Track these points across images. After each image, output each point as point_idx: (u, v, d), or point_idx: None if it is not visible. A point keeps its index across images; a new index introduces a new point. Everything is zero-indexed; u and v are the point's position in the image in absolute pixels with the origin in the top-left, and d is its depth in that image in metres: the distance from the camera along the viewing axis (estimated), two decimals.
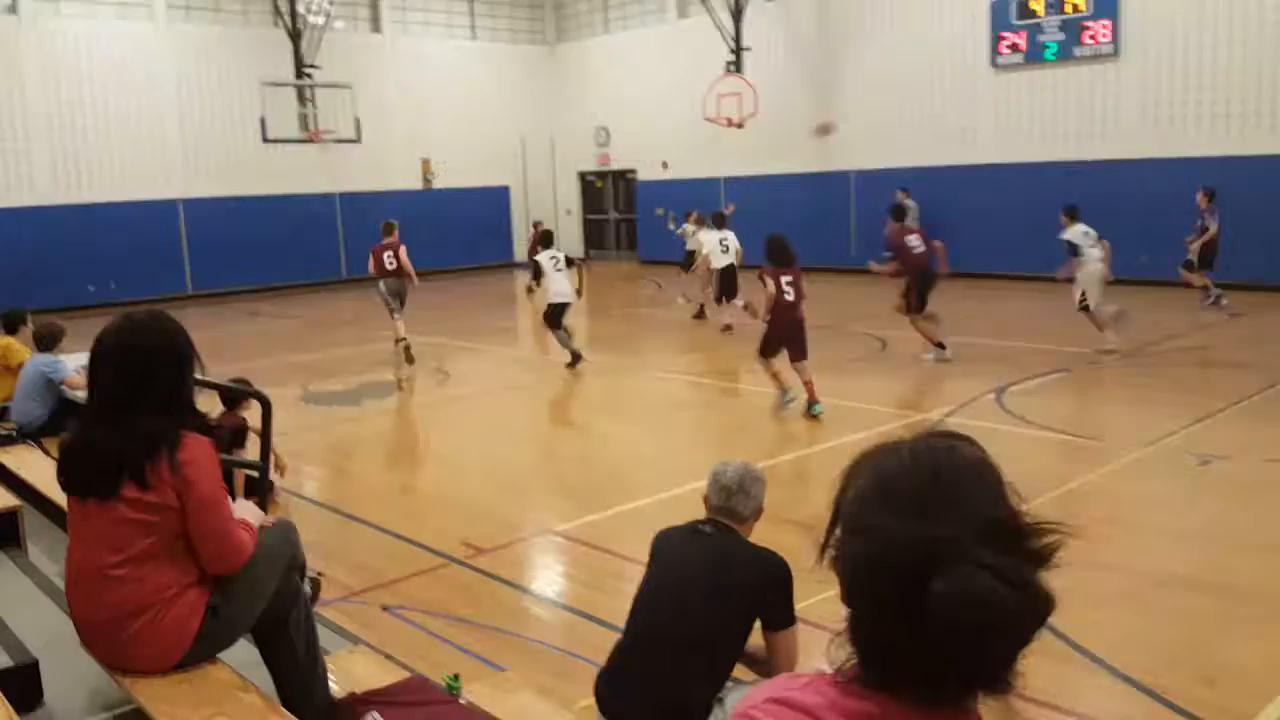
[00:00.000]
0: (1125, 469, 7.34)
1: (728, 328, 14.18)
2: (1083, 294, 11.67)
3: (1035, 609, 1.04)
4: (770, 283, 9.24)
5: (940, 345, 11.44)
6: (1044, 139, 18.04)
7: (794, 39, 21.50)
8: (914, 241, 11.59)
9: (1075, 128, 17.68)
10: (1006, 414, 8.96)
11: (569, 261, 12.41)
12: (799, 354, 9.33)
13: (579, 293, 12.35)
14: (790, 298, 9.29)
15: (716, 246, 14.37)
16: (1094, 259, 11.78)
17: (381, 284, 12.87)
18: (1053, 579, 1.07)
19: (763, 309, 9.56)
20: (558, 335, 12.25)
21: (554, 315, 12.18)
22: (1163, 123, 16.76)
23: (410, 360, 12.63)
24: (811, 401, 9.20)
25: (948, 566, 1.03)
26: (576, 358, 12.08)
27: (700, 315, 15.60)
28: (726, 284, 14.26)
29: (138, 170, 20.21)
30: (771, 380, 9.55)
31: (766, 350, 9.49)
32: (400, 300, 12.93)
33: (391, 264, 12.77)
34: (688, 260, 16.81)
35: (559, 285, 12.08)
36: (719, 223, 15.16)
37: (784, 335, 9.37)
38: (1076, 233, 11.99)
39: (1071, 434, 8.26)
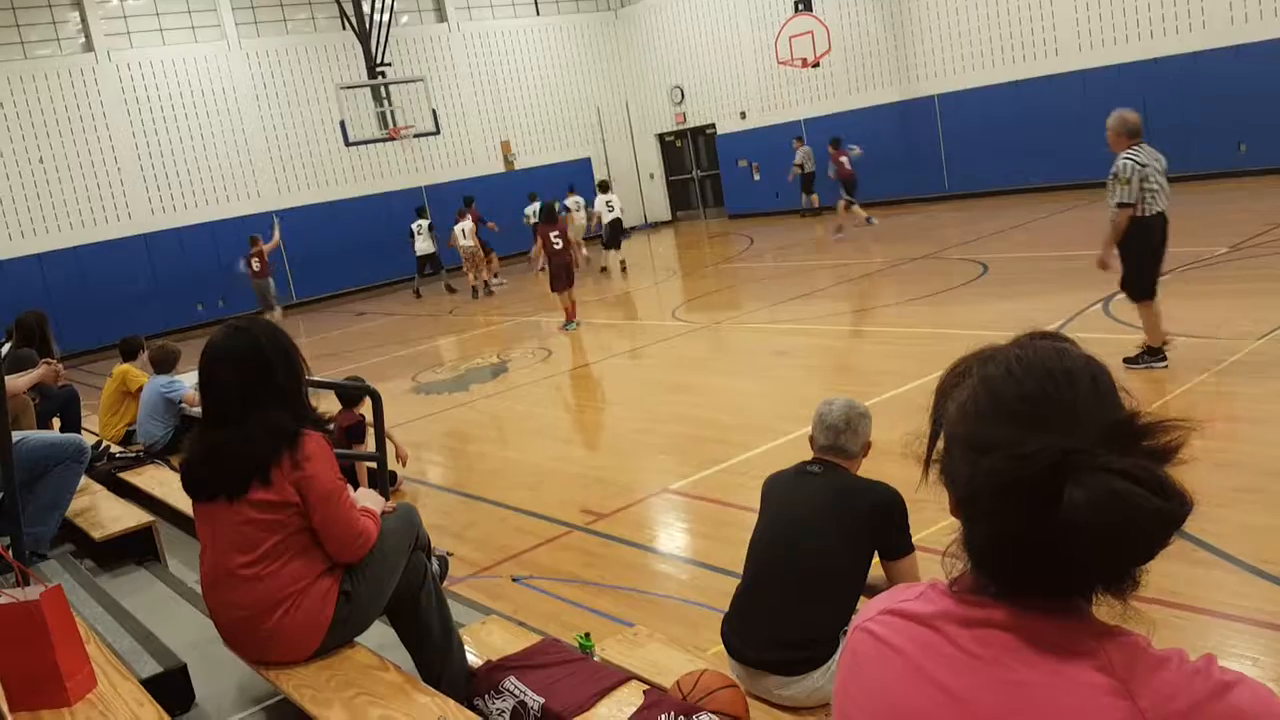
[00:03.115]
0: (1241, 363, 7.07)
1: (604, 269, 18.79)
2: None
3: (1174, 509, 1.00)
4: (539, 239, 13.45)
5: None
6: (1126, 39, 17.19)
7: None
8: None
9: (1158, 24, 16.78)
10: (1116, 322, 8.68)
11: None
12: (568, 284, 13.11)
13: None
14: (558, 247, 13.05)
15: (604, 207, 18.73)
16: (580, 219, 19.31)
17: (253, 283, 17.47)
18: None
19: (536, 257, 14.06)
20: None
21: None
22: (1250, 5, 15.76)
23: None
24: (570, 320, 13.23)
25: (1079, 474, 1.00)
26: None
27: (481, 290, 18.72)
28: (612, 235, 18.69)
29: (229, 187, 20.89)
30: (565, 310, 13.24)
31: (555, 286, 13.26)
32: (263, 296, 17.28)
33: (258, 266, 17.27)
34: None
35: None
36: (603, 189, 19.53)
37: (558, 273, 13.09)
38: (571, 200, 19.65)
39: (1185, 334, 7.94)
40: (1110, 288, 9.82)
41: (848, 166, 17.91)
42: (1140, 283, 7.17)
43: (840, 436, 3.34)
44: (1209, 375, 6.93)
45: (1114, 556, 1.02)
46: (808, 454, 3.43)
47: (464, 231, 18.58)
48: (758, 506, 3.44)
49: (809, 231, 19.70)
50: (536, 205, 19.84)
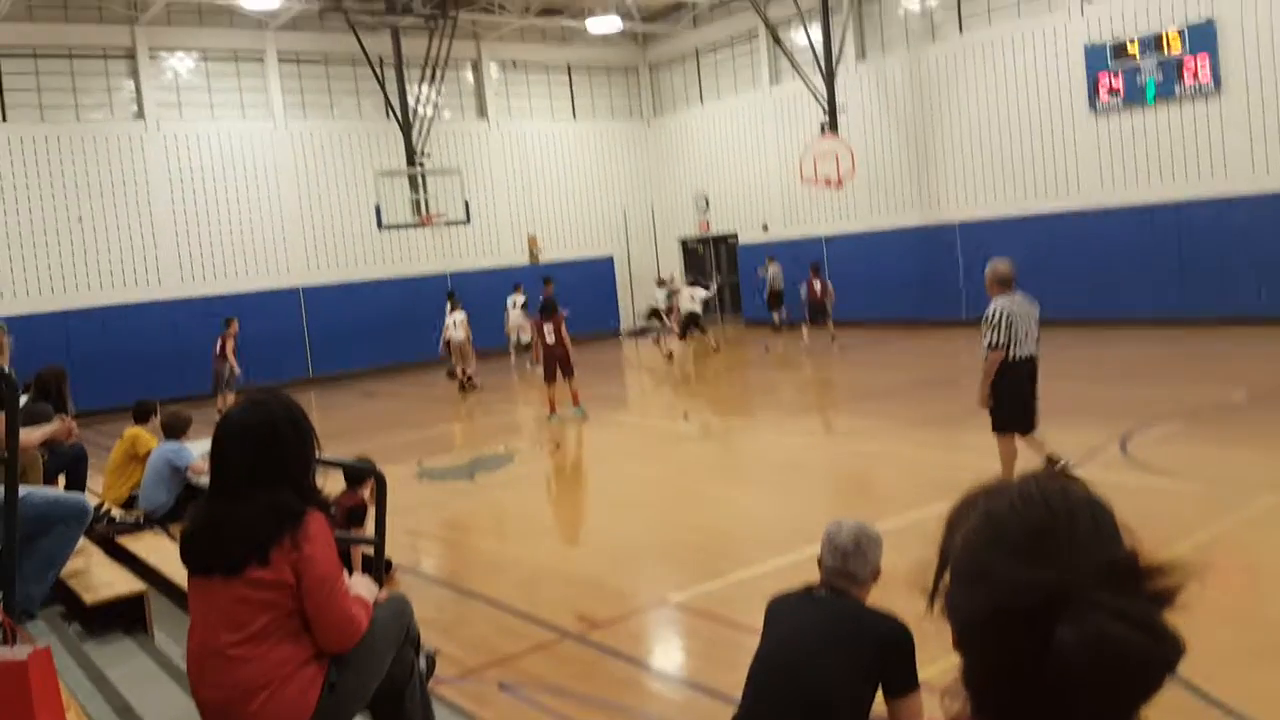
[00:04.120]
0: (1260, 515, 6.96)
1: (670, 355, 20.28)
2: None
3: (1165, 654, 0.99)
4: (534, 329, 14.11)
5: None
6: (1149, 180, 17.50)
7: (888, 96, 21.46)
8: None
9: (1180, 167, 17.10)
10: (1133, 463, 8.58)
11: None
12: (565, 374, 13.43)
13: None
14: (550, 340, 13.43)
15: (688, 299, 20.12)
16: (515, 317, 20.20)
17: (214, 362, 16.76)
18: (1188, 633, 1.01)
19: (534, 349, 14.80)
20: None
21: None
22: (1272, 154, 16.06)
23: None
24: (575, 404, 13.59)
25: (1072, 612, 0.98)
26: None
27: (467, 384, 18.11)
28: (691, 323, 19.86)
29: (259, 261, 21.25)
30: (547, 402, 13.59)
31: (547, 377, 13.64)
32: (217, 379, 16.45)
33: (218, 349, 16.63)
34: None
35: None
36: (693, 283, 21.53)
37: (549, 365, 13.52)
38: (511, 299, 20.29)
39: (1203, 481, 7.86)
40: (1126, 425, 9.83)
41: (818, 293, 19.00)
42: (998, 417, 7.77)
43: (849, 560, 3.27)
44: (1227, 525, 6.81)
45: (1106, 698, 0.99)
46: (814, 574, 3.36)
47: (455, 323, 18.31)
48: (760, 628, 3.36)
49: (821, 345, 19.75)
50: (661, 293, 21.73)
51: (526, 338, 19.63)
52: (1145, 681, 1.00)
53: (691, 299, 20.14)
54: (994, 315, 7.55)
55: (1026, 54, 18.90)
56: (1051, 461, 7.85)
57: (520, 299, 20.28)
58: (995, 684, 1.06)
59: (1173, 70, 16.79)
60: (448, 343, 19.35)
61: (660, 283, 22.94)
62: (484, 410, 16.05)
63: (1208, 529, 6.75)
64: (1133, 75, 17.31)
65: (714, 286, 22.28)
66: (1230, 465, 8.31)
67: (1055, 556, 1.04)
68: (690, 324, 19.99)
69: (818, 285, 19.16)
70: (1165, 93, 16.99)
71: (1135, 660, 0.98)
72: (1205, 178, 16.80)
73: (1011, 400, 7.66)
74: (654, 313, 22.19)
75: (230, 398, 16.10)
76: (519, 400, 16.83)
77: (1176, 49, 16.69)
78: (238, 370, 16.60)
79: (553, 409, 13.71)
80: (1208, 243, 16.67)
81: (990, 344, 7.59)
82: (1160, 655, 0.99)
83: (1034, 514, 1.08)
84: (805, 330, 19.27)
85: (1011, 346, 7.56)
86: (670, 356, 20.33)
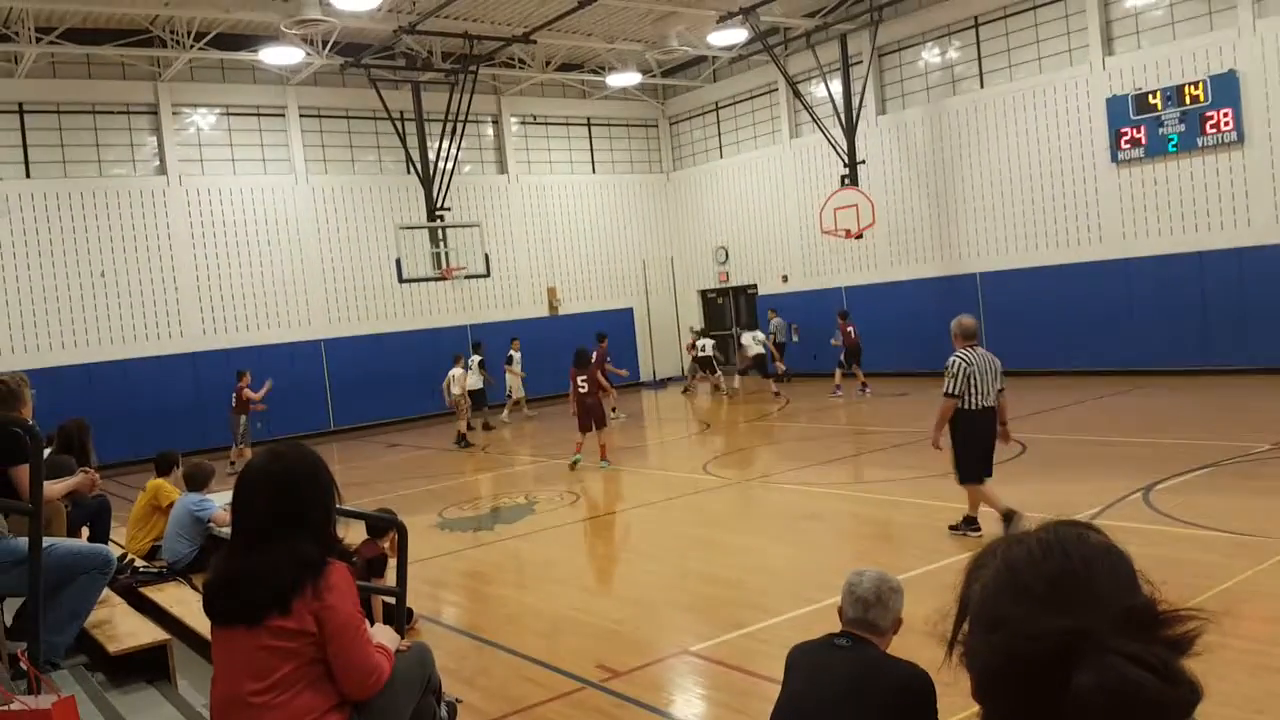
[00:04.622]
0: None
1: (777, 394, 20.16)
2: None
3: (1183, 698, 1.00)
4: (571, 382, 13.99)
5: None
6: (1170, 231, 17.49)
7: (908, 148, 21.62)
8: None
9: (1203, 217, 17.09)
10: (1156, 513, 8.50)
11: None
12: (598, 425, 13.88)
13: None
14: (584, 390, 13.78)
15: (751, 341, 21.04)
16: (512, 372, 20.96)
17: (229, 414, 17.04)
18: (1209, 678, 1.02)
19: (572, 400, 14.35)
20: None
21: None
22: None
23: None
24: (603, 459, 13.85)
25: (1089, 658, 1.00)
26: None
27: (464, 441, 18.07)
28: (758, 364, 20.82)
29: (280, 314, 21.47)
30: (576, 447, 13.95)
31: (581, 427, 13.88)
32: (232, 430, 16.80)
33: (234, 403, 16.78)
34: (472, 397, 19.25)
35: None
36: (749, 327, 22.30)
37: (582, 414, 13.77)
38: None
39: (1225, 530, 7.75)
40: (1149, 474, 9.74)
41: (853, 337, 19.58)
42: (963, 467, 8.19)
43: (870, 610, 3.26)
44: (1254, 574, 6.72)
45: None
46: (835, 624, 3.35)
47: (454, 378, 18.32)
48: (781, 677, 3.34)
49: (849, 392, 19.72)
50: (709, 343, 22.25)
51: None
52: None
53: (754, 341, 21.03)
54: (952, 366, 8.11)
55: (1048, 106, 19.02)
56: (969, 520, 8.22)
57: (512, 353, 20.73)
58: None
59: (1195, 121, 16.84)
60: (475, 392, 19.25)
61: (703, 333, 23.56)
62: (504, 461, 16.06)
63: (1231, 578, 6.67)
64: (1155, 126, 17.36)
65: (770, 328, 22.65)
66: (1254, 515, 8.21)
67: (1073, 604, 1.05)
68: (755, 365, 20.93)
69: (850, 330, 19.49)
70: (1188, 144, 17.02)
71: (1152, 705, 0.98)
72: (1228, 228, 16.78)
73: (973, 448, 8.13)
74: (704, 361, 22.38)
75: (247, 451, 16.16)
76: (537, 452, 16.82)
77: (1199, 100, 16.76)
78: (258, 417, 16.72)
79: (577, 450, 13.94)
80: (1230, 293, 16.61)
81: (945, 391, 8.12)
82: (1177, 700, 0.99)
83: (1052, 562, 1.10)
84: (838, 376, 19.62)
85: (971, 397, 8.03)
86: (729, 395, 21.56)
